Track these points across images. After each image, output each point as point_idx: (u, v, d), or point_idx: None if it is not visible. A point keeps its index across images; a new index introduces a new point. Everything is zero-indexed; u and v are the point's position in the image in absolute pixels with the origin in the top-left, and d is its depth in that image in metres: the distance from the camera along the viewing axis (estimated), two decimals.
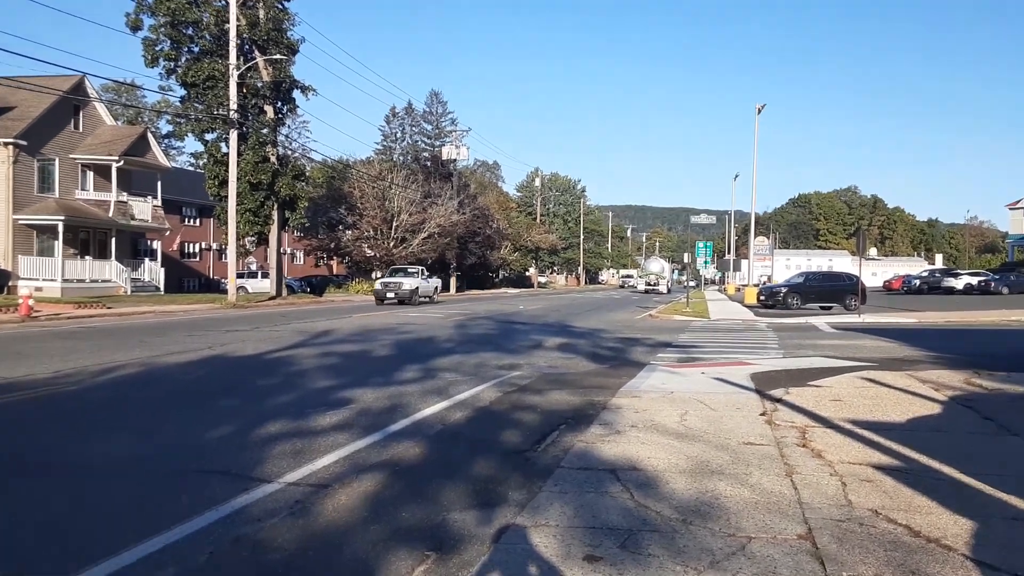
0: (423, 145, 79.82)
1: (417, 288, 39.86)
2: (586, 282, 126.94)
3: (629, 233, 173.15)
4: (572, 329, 23.09)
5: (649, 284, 72.45)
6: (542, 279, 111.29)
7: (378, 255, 60.80)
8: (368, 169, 66.40)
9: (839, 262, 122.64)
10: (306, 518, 5.16)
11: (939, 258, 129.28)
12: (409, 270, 42.74)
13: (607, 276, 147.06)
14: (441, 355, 15.08)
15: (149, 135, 46.41)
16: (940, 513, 5.16)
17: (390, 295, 38.78)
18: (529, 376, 12.21)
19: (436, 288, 44.83)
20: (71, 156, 40.38)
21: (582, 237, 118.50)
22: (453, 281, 70.78)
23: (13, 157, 36.76)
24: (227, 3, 38.01)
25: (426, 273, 43.01)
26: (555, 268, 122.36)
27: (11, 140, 36.44)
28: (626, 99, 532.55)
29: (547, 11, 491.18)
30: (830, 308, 34.61)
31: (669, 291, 70.09)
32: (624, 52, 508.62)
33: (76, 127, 41.05)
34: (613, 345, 18.06)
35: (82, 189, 41.38)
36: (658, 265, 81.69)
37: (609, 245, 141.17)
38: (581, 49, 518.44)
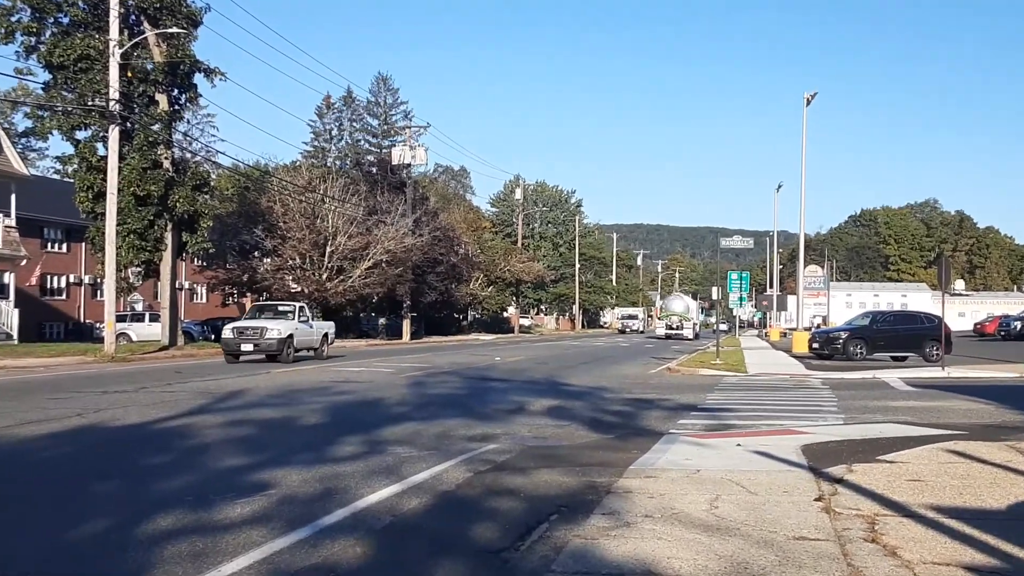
0: (367, 146, 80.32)
1: (291, 336, 34.89)
2: (584, 325, 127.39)
3: (640, 260, 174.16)
4: (565, 388, 23.11)
5: (671, 327, 73.48)
6: (525, 321, 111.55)
7: (306, 290, 60.56)
8: (294, 177, 66.45)
9: (916, 298, 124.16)
10: None
11: None
12: (280, 308, 38.63)
13: (611, 317, 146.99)
14: (391, 423, 15.03)
15: (1, 133, 46.31)
16: None
17: (247, 346, 34.04)
18: (508, 450, 12.18)
19: (327, 336, 40.13)
20: None
21: (578, 266, 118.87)
22: (407, 325, 70.63)
23: None
24: None
25: (306, 313, 38.46)
26: (542, 307, 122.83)
27: None
28: (634, 97, 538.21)
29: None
30: (905, 359, 34.92)
31: (696, 336, 70.47)
32: (629, 40, 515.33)
33: None
34: (620, 408, 18.10)
35: None
36: (682, 304, 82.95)
37: (614, 276, 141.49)
38: (575, 40, 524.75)
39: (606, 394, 21.37)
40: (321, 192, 62.54)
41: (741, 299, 45.80)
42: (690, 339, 69.52)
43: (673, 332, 73.27)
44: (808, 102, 46.56)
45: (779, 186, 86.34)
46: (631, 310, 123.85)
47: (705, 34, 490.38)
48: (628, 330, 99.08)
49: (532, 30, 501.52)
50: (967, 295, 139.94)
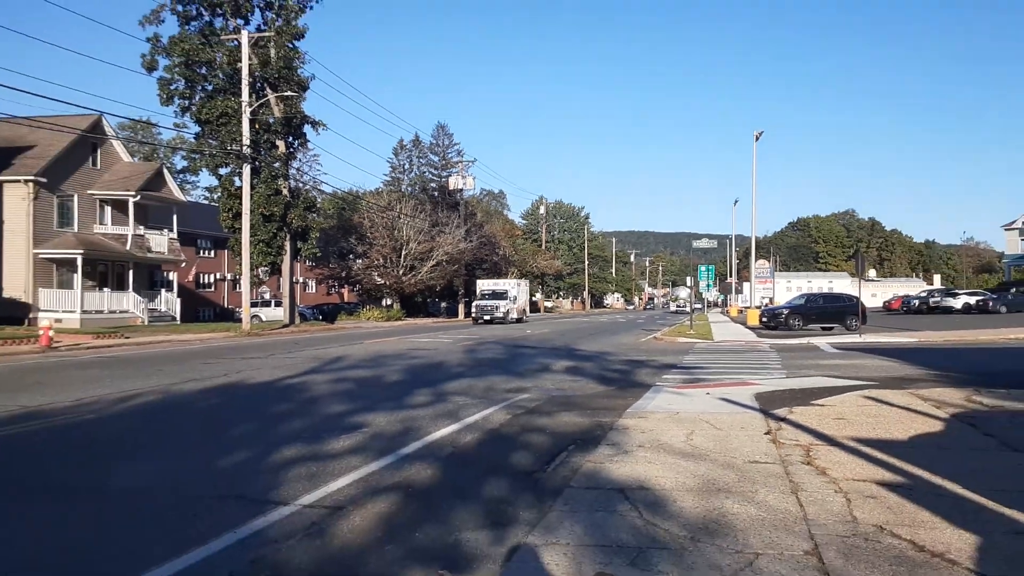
0: (430, 176, 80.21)
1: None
2: (591, 306, 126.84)
3: (633, 258, 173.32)
4: (578, 352, 23.06)
5: (678, 306, 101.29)
6: (548, 304, 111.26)
7: (388, 283, 61.02)
8: (377, 200, 66.74)
9: (839, 284, 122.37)
10: (322, 539, 5.15)
11: (937, 279, 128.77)
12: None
13: (612, 300, 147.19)
14: (451, 379, 15.08)
15: (165, 171, 46.83)
16: (944, 528, 5.13)
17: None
18: (537, 399, 12.20)
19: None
20: (89, 192, 40.73)
21: (587, 263, 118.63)
22: (462, 307, 70.88)
23: (33, 194, 37.10)
24: (239, 43, 38.47)
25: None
26: (561, 293, 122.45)
27: (31, 177, 36.79)
28: (627, 128, 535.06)
29: (547, 43, 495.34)
30: (831, 329, 34.50)
31: (692, 311, 71.36)
32: (625, 81, 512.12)
33: (94, 164, 41.43)
34: (619, 367, 18.04)
35: (100, 223, 41.69)
36: (686, 292, 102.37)
37: (613, 270, 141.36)
38: (583, 78, 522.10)
39: (608, 357, 21.31)
40: (397, 210, 62.76)
41: (709, 285, 45.33)
42: (688, 312, 69.83)
43: (680, 309, 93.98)
44: (757, 138, 46.02)
45: (736, 201, 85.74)
46: (499, 283, 59.37)
47: (677, 81, 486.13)
48: (486, 318, 51.60)
49: (542, 66, 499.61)
50: (878, 281, 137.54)
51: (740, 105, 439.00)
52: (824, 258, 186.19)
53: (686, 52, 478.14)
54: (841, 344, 25.12)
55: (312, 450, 8.08)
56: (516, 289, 57.13)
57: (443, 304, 76.42)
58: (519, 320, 54.84)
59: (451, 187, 73.31)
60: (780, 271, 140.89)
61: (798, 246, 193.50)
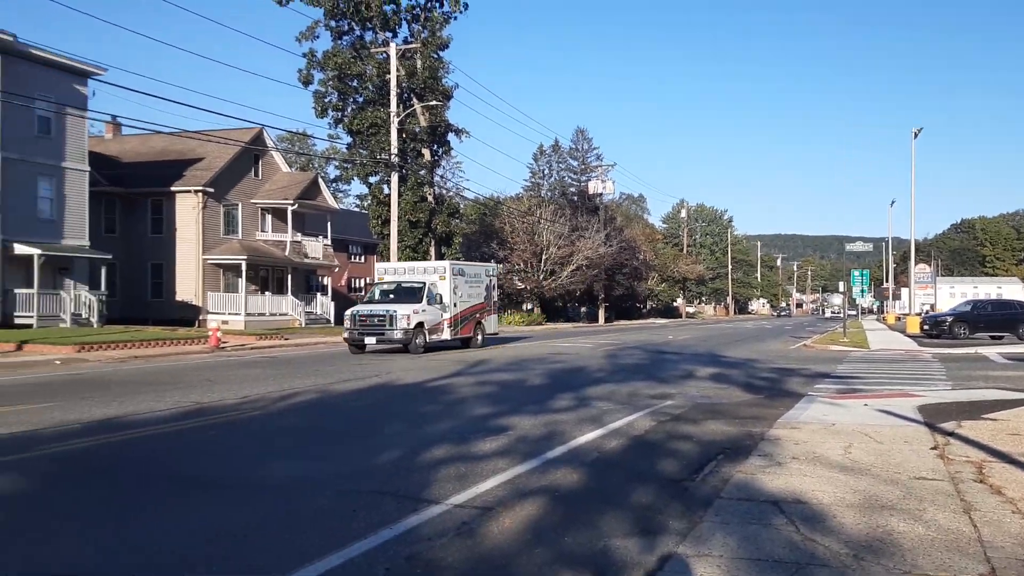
0: (570, 181, 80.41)
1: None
2: (735, 312, 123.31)
3: (779, 262, 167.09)
4: (723, 359, 22.46)
5: (834, 312, 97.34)
6: (690, 309, 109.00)
7: (528, 287, 61.66)
8: (518, 205, 67.62)
9: (1009, 289, 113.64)
10: (473, 539, 5.25)
11: None
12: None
13: (757, 306, 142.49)
14: (593, 384, 15.03)
15: (319, 180, 49.29)
16: None
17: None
18: (682, 405, 11.96)
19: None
20: (252, 201, 43.44)
21: (730, 267, 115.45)
22: (601, 312, 70.83)
23: (202, 203, 39.96)
24: (388, 56, 39.96)
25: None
26: (703, 298, 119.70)
27: (200, 188, 39.65)
28: (773, 127, 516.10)
29: (688, 42, 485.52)
30: (1001, 338, 31.99)
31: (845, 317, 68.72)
32: (771, 78, 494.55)
33: (256, 174, 44.16)
34: (767, 375, 17.43)
35: (261, 231, 44.37)
36: (839, 298, 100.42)
37: (758, 275, 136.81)
38: (726, 77, 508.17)
39: (755, 364, 20.64)
40: (537, 215, 63.38)
41: (863, 291, 43.00)
42: (840, 319, 66.84)
43: (835, 315, 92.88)
44: (915, 135, 43.34)
45: (892, 202, 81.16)
46: (410, 269, 27.50)
47: (827, 77, 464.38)
48: (368, 342, 23.59)
49: (684, 64, 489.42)
50: None
51: (896, 100, 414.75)
52: (991, 262, 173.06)
53: (836, 46, 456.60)
54: (1014, 354, 23.24)
55: (460, 451, 8.25)
56: (451, 279, 25.84)
57: (583, 309, 76.44)
58: (466, 342, 26.91)
59: (590, 192, 73.31)
60: (942, 276, 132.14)
61: (962, 249, 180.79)
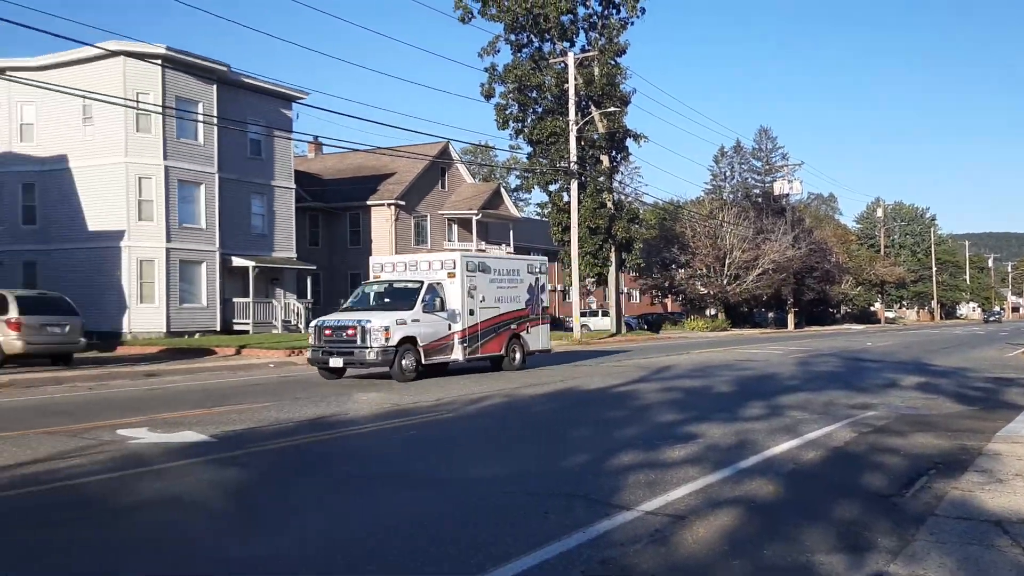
0: (753, 182, 77.81)
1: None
2: (941, 317, 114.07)
3: (991, 263, 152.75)
4: (930, 367, 20.82)
5: None
6: (889, 314, 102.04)
7: (711, 292, 60.21)
8: (699, 209, 66.25)
9: None
10: (667, 547, 5.18)
11: None
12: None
13: (966, 310, 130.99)
14: (785, 392, 14.40)
15: (502, 190, 50.67)
16: None
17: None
18: (885, 417, 11.20)
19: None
20: (439, 212, 45.34)
21: (934, 269, 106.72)
22: (791, 317, 67.83)
23: (395, 215, 42.17)
24: (565, 65, 40.39)
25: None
26: (904, 303, 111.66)
27: (393, 201, 41.90)
28: (980, 116, 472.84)
29: (877, 33, 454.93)
30: None
31: None
32: (968, 68, 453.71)
33: (442, 186, 46.07)
34: (981, 385, 15.97)
35: (448, 240, 46.18)
36: None
37: (967, 277, 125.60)
38: (920, 66, 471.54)
39: (967, 373, 18.96)
40: (719, 219, 61.76)
41: None
42: None
43: None
44: None
45: None
46: (400, 263, 19.86)
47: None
48: (333, 365, 17.03)
49: (872, 58, 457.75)
50: None
51: None
52: None
53: None
54: None
55: (647, 457, 8.17)
56: (463, 277, 18.60)
57: (770, 314, 73.54)
58: (496, 362, 20.01)
59: (776, 192, 70.54)
60: None
61: None
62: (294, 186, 37.10)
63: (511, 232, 49.79)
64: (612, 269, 45.14)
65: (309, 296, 36.91)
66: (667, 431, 9.91)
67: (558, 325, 60.25)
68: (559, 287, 65.77)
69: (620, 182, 49.89)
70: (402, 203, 42.12)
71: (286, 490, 7.17)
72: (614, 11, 44.45)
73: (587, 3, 44.13)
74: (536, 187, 48.45)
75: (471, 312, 18.61)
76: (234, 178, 33.73)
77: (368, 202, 42.61)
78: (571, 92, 39.28)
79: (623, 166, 50.59)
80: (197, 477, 7.73)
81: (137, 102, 29.43)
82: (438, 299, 17.84)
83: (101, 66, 30.52)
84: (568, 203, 41.44)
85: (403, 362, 16.66)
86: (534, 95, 43.96)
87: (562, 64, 41.95)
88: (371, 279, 19.62)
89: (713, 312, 65.49)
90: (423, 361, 17.25)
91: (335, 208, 43.55)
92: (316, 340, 17.41)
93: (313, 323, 18.21)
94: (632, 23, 44.57)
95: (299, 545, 5.38)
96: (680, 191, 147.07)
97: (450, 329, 18.06)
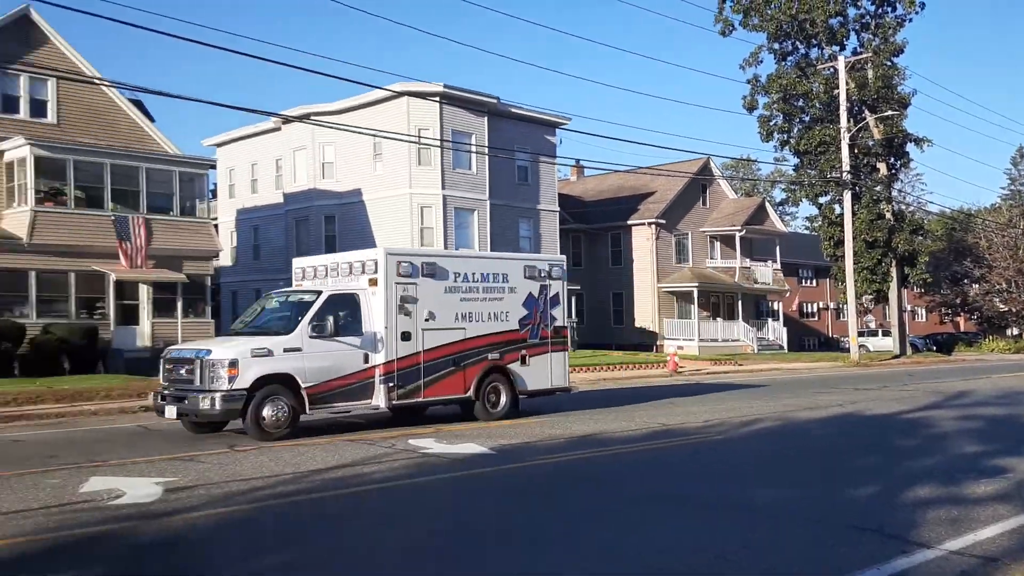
0: None
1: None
2: None
3: None
4: None
5: None
6: None
7: (1013, 309, 53.49)
8: (995, 216, 59.27)
9: None
10: None
11: None
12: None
13: None
14: None
15: (766, 204, 48.73)
16: None
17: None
18: None
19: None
20: (700, 229, 44.60)
21: None
22: None
23: (655, 234, 42.12)
24: (835, 70, 38.16)
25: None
26: None
27: (653, 220, 41.86)
28: None
29: None
30: None
31: None
32: None
33: (703, 203, 45.27)
34: None
35: (710, 258, 45.25)
36: None
37: None
38: None
39: None
40: (1021, 227, 54.75)
41: None
42: None
43: None
44: None
45: None
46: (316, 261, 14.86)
47: None
48: (169, 414, 11.97)
49: None
50: None
51: None
52: None
53: None
54: None
55: (947, 492, 7.49)
56: (388, 286, 12.77)
57: None
58: (467, 406, 13.83)
59: None
60: None
61: None
62: (558, 208, 38.38)
63: (777, 248, 47.60)
64: (893, 285, 41.67)
65: (574, 316, 37.91)
66: (967, 463, 9.03)
67: (832, 345, 56.75)
68: (831, 305, 61.93)
69: (900, 191, 46.14)
70: (662, 221, 41.95)
71: (565, 501, 7.46)
72: (889, 9, 41.34)
73: (858, 3, 41.49)
74: (804, 200, 46.00)
75: (405, 336, 12.80)
76: (503, 203, 35.57)
77: (628, 222, 42.94)
78: (842, 97, 37.01)
79: (903, 173, 46.73)
80: (488, 483, 8.31)
81: (419, 138, 32.08)
82: (341, 318, 12.23)
83: (388, 106, 33.64)
84: (840, 215, 38.96)
85: (264, 412, 11.40)
86: (800, 104, 41.99)
87: (831, 69, 39.65)
88: (292, 287, 14.46)
89: (1016, 332, 58.09)
90: (307, 410, 11.83)
91: (596, 229, 44.37)
92: (161, 378, 12.75)
93: (164, 354, 12.98)
94: (910, 20, 41.21)
95: (575, 555, 5.60)
96: (971, 198, 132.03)
97: (367, 362, 12.48)
